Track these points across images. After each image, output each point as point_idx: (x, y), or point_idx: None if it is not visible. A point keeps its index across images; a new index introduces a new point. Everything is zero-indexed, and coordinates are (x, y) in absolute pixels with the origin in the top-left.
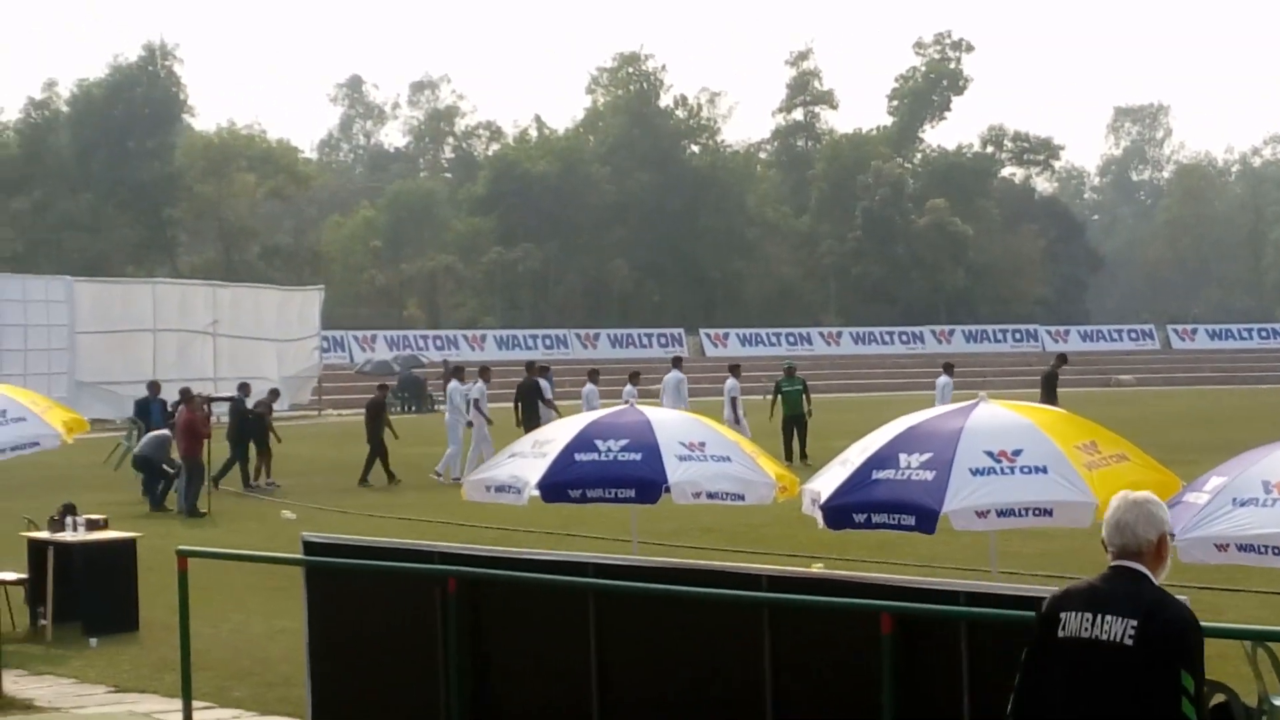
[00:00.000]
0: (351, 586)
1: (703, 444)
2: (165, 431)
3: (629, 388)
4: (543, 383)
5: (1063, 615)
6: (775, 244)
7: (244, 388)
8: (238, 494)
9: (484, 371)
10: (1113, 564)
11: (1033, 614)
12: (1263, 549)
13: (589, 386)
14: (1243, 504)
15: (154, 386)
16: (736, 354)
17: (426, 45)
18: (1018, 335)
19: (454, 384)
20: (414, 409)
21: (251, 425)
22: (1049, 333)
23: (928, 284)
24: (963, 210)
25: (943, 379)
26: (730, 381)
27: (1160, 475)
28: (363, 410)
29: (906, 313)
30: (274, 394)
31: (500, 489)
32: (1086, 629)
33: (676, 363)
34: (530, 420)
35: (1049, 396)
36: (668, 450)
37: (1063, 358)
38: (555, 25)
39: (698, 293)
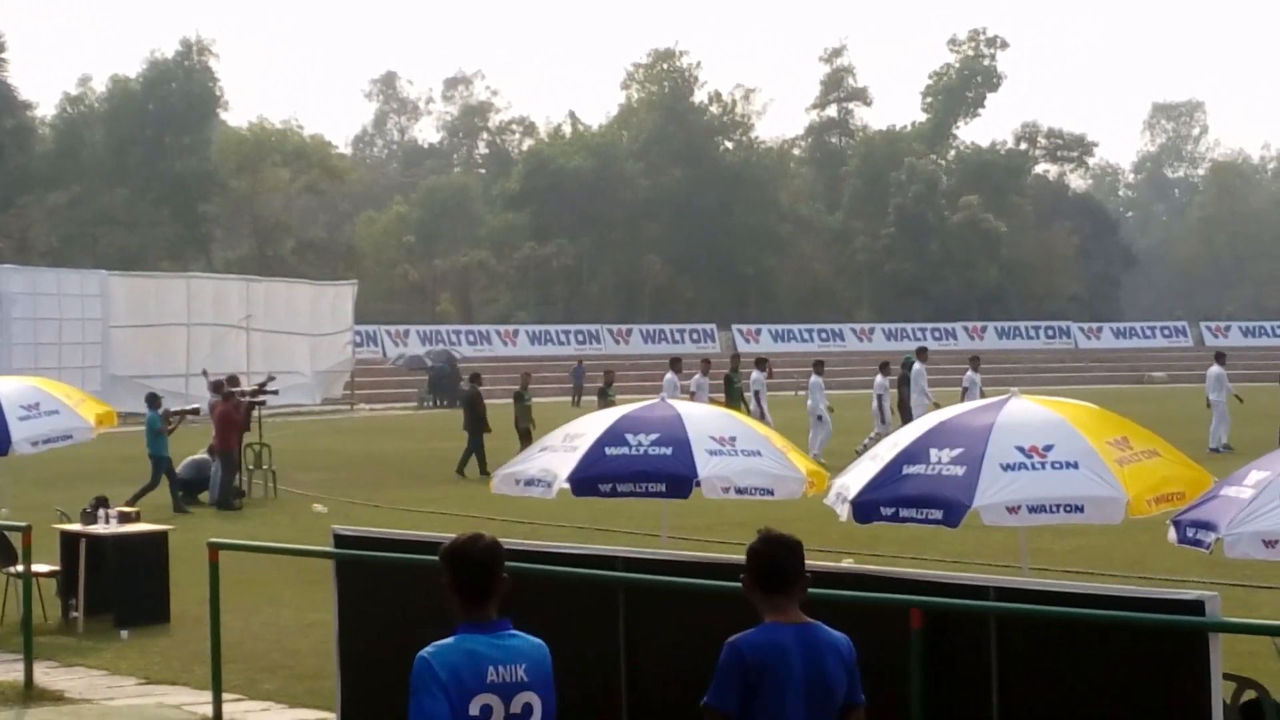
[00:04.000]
0: (382, 580)
1: (733, 439)
2: (204, 455)
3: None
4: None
5: None
6: (808, 240)
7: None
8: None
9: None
10: None
11: (1061, 609)
12: None
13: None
14: None
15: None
16: (769, 350)
17: (460, 41)
18: (1050, 332)
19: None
20: (447, 404)
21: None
22: (1081, 329)
23: (960, 281)
24: (996, 207)
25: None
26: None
27: (1192, 471)
28: (400, 404)
29: (939, 309)
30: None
31: (530, 482)
32: None
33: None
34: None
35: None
36: (698, 445)
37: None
38: (589, 21)
39: (730, 289)
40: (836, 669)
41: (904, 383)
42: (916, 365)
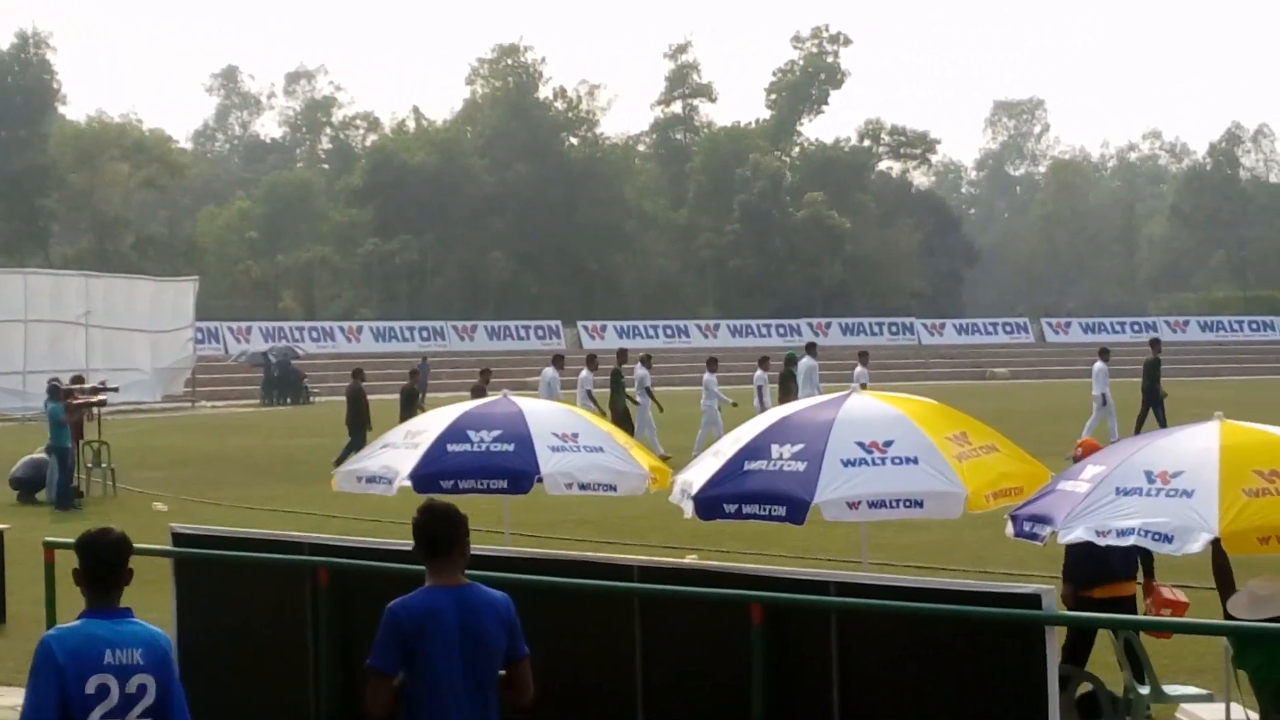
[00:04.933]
0: (221, 579)
1: (576, 435)
2: (41, 455)
3: (585, 373)
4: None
5: None
6: (653, 236)
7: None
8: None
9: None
10: None
11: (900, 604)
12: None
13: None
14: (1126, 493)
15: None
16: (614, 346)
17: (303, 35)
18: (894, 328)
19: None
20: (289, 400)
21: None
22: (925, 325)
23: (805, 277)
24: (840, 204)
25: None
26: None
27: (1029, 466)
28: (242, 401)
29: (784, 305)
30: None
31: (371, 480)
32: None
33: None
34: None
35: (1153, 384)
36: (540, 441)
37: (1156, 342)
38: (433, 16)
39: (576, 285)
40: (494, 627)
41: (788, 378)
42: (807, 360)
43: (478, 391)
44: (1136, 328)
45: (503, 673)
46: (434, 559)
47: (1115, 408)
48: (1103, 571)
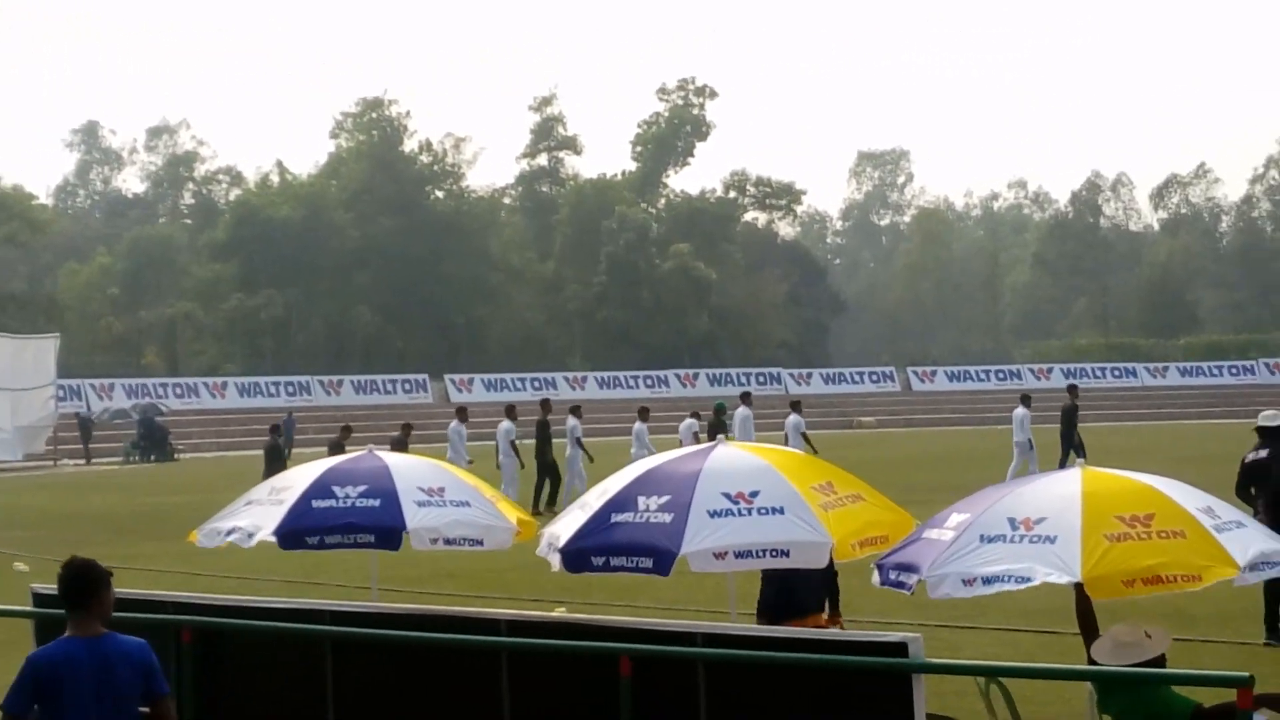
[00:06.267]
0: None
1: (442, 489)
2: None
3: (506, 424)
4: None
5: None
6: (520, 289)
7: None
8: None
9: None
10: None
11: (767, 654)
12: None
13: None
14: (990, 540)
15: None
16: (482, 399)
17: (164, 90)
18: (761, 378)
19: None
20: (154, 458)
21: None
22: (791, 375)
23: (672, 328)
24: (706, 255)
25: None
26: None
27: (895, 515)
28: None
29: (651, 356)
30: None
31: (232, 534)
32: None
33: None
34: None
35: (1071, 429)
36: (406, 496)
37: (1074, 389)
38: (297, 69)
39: (442, 338)
40: (128, 673)
41: (717, 428)
42: (743, 410)
43: (335, 448)
44: (1001, 375)
45: (146, 710)
46: (73, 611)
47: (1007, 455)
48: (792, 605)
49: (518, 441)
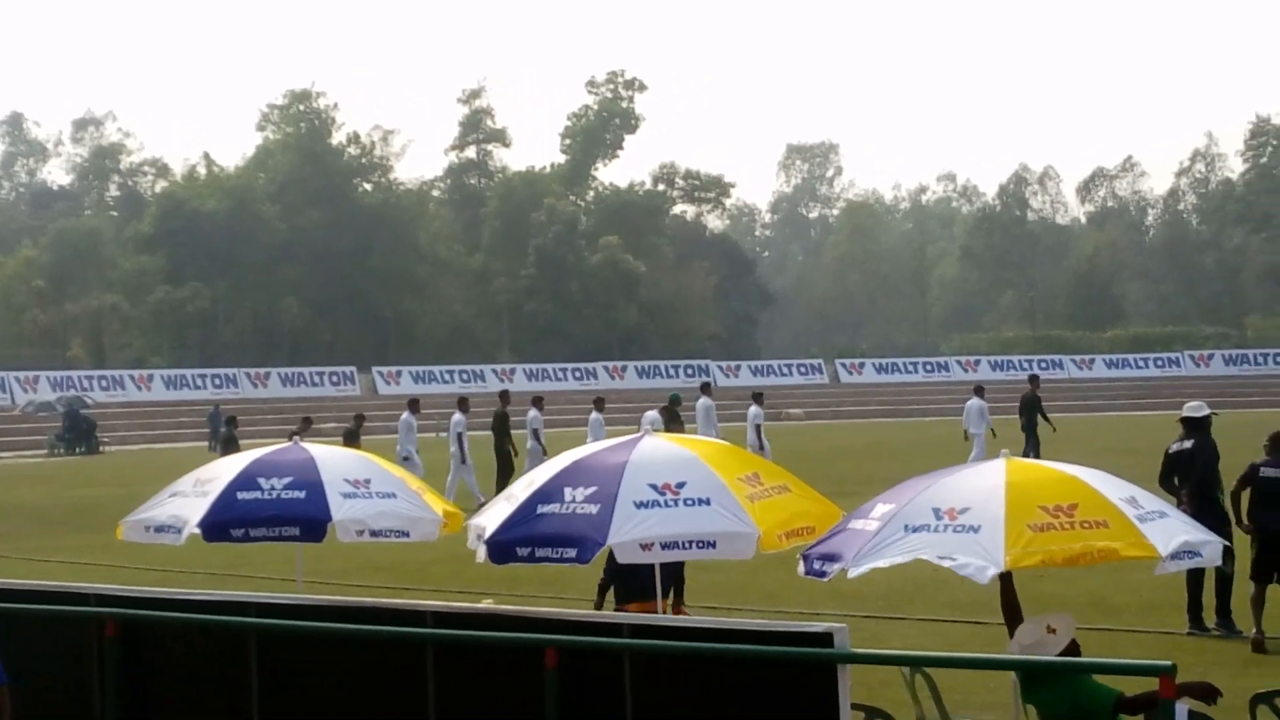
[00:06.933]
0: (6, 632)
1: (368, 481)
2: None
3: (458, 415)
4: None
5: None
6: (448, 282)
7: None
8: None
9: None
10: None
11: (693, 644)
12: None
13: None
14: (915, 530)
15: None
16: (410, 391)
17: (90, 81)
18: (690, 371)
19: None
20: (80, 450)
21: None
22: (720, 368)
23: (601, 321)
24: (635, 248)
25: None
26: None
27: (822, 506)
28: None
29: (580, 349)
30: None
31: (160, 529)
32: None
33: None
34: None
35: (1032, 420)
36: (332, 488)
37: (1035, 378)
38: (223, 61)
39: (370, 331)
40: None
41: (673, 419)
42: (704, 400)
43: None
44: (929, 368)
45: None
46: None
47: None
48: (635, 589)
49: (467, 434)
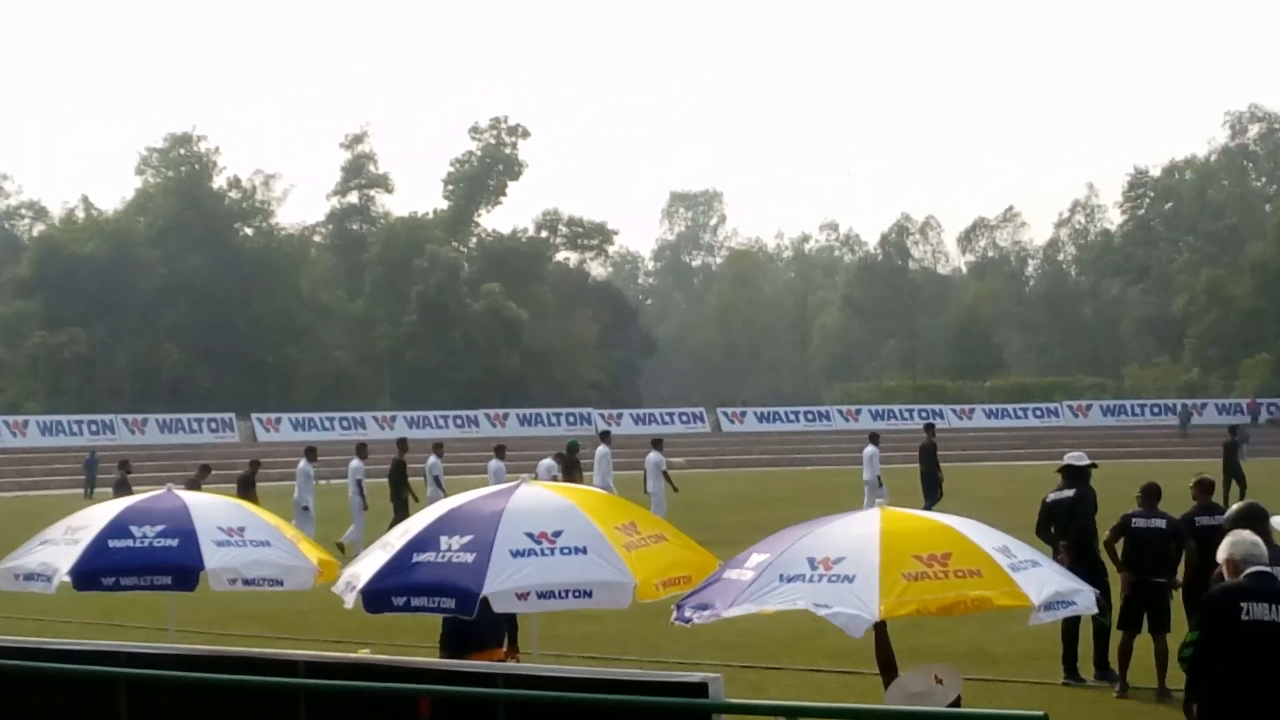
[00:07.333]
0: None
1: (242, 529)
2: None
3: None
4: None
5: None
6: (329, 328)
7: None
8: None
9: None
10: None
11: (568, 694)
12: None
13: (495, 463)
14: (790, 580)
15: None
16: (290, 439)
17: None
18: (571, 418)
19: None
20: None
21: None
22: (602, 416)
23: (482, 368)
24: (517, 295)
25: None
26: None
27: (698, 555)
28: None
29: (462, 396)
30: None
31: (29, 577)
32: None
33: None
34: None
35: (932, 468)
36: (205, 536)
37: (931, 427)
38: (104, 102)
39: (250, 377)
40: None
41: (571, 466)
42: (603, 448)
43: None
44: (810, 417)
45: None
46: None
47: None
48: (472, 638)
49: (365, 480)
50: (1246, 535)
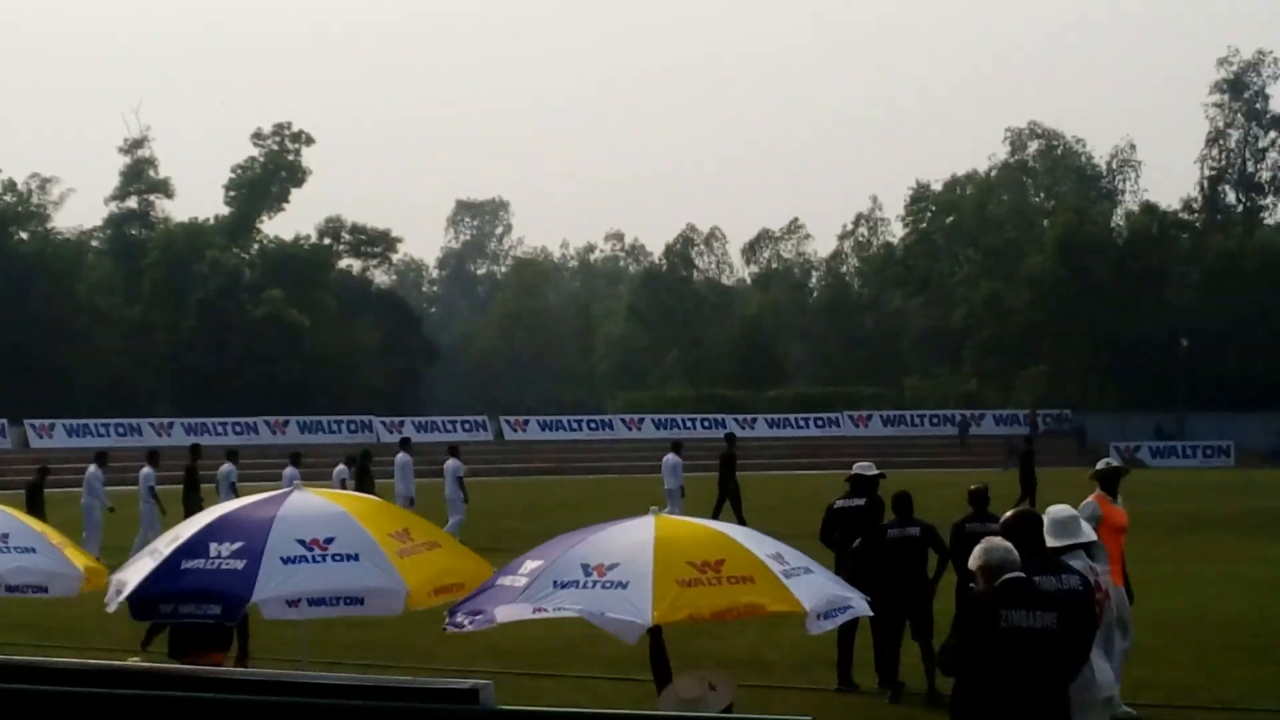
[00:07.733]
0: None
1: (5, 535)
2: None
3: (147, 469)
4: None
5: None
6: (106, 333)
7: None
8: None
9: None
10: None
11: (336, 701)
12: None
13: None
14: (564, 585)
15: None
16: (63, 445)
17: None
18: (353, 426)
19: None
20: None
21: None
22: (384, 423)
23: (262, 375)
24: (299, 301)
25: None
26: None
27: (472, 563)
28: None
29: (241, 404)
30: None
31: None
32: None
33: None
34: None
35: (728, 478)
36: None
37: (732, 437)
38: None
39: (23, 382)
40: None
41: (363, 474)
42: (401, 455)
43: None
44: (593, 425)
45: None
46: None
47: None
48: (197, 640)
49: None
50: (999, 543)
